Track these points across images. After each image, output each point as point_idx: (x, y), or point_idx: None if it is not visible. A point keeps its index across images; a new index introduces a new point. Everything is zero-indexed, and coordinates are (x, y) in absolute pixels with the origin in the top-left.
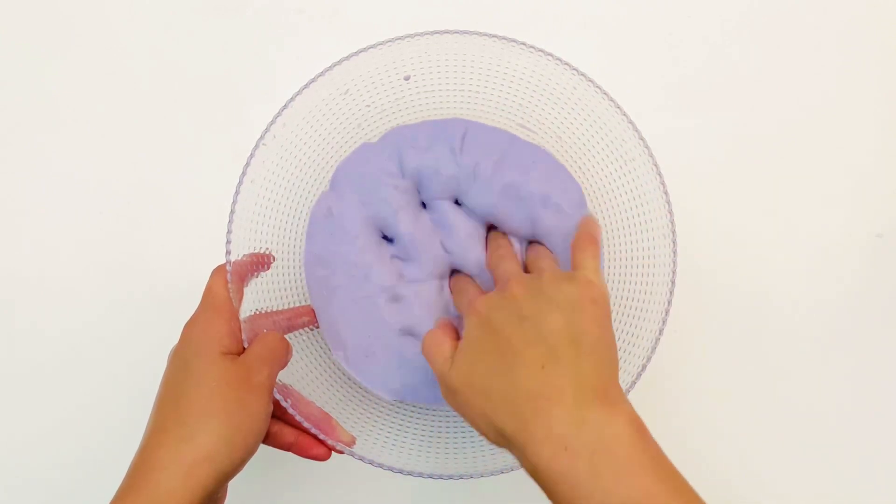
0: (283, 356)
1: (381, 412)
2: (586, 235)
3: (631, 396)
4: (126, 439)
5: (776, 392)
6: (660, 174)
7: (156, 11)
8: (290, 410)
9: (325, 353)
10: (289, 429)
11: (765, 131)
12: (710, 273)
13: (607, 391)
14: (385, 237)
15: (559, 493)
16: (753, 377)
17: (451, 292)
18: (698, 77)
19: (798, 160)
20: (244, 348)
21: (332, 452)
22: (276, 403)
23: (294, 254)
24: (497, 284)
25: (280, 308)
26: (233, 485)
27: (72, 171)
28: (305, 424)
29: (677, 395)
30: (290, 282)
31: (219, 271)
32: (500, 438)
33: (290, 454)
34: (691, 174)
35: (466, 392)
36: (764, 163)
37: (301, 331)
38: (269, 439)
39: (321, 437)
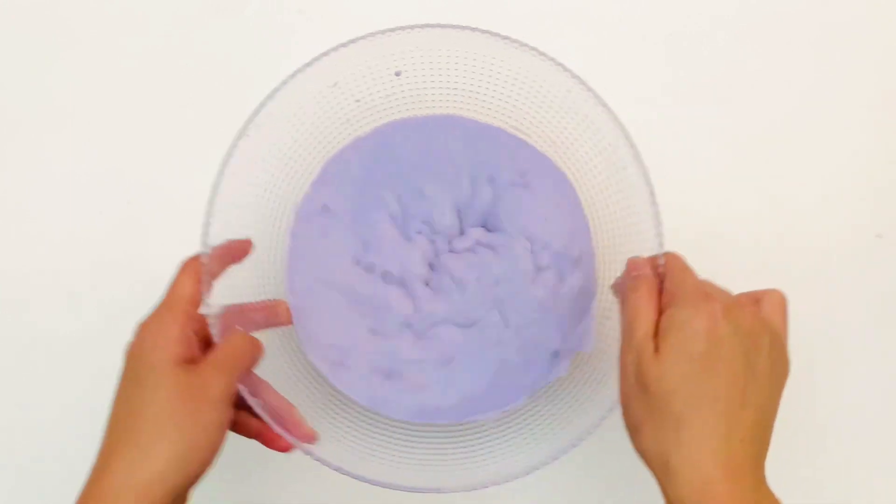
0: (248, 359)
1: (354, 418)
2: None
3: None
4: None
5: None
6: (649, 183)
7: (155, 11)
8: (250, 401)
9: (300, 352)
10: (254, 419)
11: (763, 132)
12: (710, 274)
13: (761, 476)
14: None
15: None
16: None
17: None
18: (699, 77)
19: (797, 161)
20: (203, 351)
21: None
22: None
23: (277, 251)
24: (692, 299)
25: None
26: (224, 485)
27: (72, 171)
28: (266, 419)
29: None
30: (269, 279)
31: (187, 266)
32: (662, 468)
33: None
34: (691, 174)
35: (660, 401)
36: (763, 164)
37: (278, 330)
38: (234, 427)
39: (279, 432)
